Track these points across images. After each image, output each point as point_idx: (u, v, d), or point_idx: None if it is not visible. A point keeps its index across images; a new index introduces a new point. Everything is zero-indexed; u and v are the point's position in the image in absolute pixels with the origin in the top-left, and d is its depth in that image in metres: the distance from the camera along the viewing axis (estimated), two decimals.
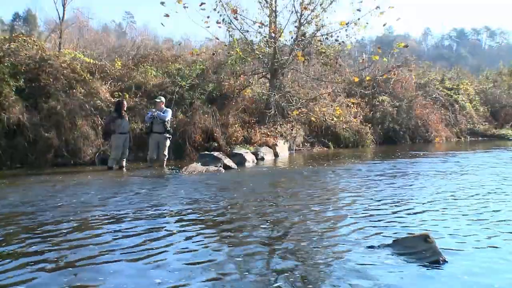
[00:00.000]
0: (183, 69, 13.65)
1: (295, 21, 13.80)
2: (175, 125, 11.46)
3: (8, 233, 4.23)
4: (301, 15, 13.72)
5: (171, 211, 5.24)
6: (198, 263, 3.35)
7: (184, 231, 4.31)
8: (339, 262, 3.34)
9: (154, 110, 9.77)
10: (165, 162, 9.80)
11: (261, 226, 4.52)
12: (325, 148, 14.71)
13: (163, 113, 9.69)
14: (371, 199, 5.88)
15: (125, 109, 9.65)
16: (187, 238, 4.03)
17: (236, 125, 12.65)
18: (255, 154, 11.31)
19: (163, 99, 10.06)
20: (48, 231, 4.26)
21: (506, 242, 3.86)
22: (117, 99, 10.59)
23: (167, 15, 14.61)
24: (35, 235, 4.15)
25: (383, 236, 4.03)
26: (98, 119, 10.77)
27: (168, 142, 9.86)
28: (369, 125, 16.48)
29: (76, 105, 10.66)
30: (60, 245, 3.81)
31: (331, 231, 4.28)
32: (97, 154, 10.34)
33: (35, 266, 3.30)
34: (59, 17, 15.00)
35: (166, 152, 9.81)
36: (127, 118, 9.75)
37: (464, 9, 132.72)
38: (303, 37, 13.85)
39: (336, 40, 14.03)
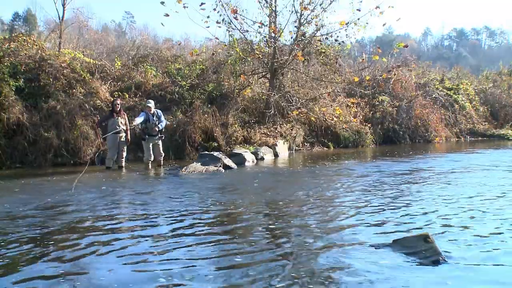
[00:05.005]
0: (183, 69, 13.66)
1: (295, 21, 13.79)
2: (175, 125, 11.48)
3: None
4: (301, 15, 13.70)
5: (170, 211, 5.23)
6: (199, 261, 3.35)
7: (183, 230, 4.31)
8: (339, 262, 3.34)
9: (151, 111, 9.68)
10: (162, 161, 9.82)
11: (260, 225, 4.52)
12: (325, 148, 14.69)
13: (159, 118, 9.70)
14: (371, 198, 5.87)
15: (118, 108, 9.58)
16: (185, 238, 4.03)
17: (236, 125, 12.64)
18: (255, 154, 11.30)
19: (153, 103, 9.98)
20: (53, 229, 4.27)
21: (506, 242, 3.86)
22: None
23: (167, 15, 14.68)
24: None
25: (383, 236, 4.03)
26: (98, 119, 10.75)
27: (161, 142, 9.90)
28: (369, 125, 16.46)
29: (76, 105, 10.68)
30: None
31: (331, 230, 4.28)
32: (97, 154, 10.34)
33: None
34: (59, 17, 15.03)
35: (161, 151, 9.86)
36: (120, 118, 9.59)
37: (464, 9, 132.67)
38: (303, 37, 13.83)
39: (336, 40, 14.01)
